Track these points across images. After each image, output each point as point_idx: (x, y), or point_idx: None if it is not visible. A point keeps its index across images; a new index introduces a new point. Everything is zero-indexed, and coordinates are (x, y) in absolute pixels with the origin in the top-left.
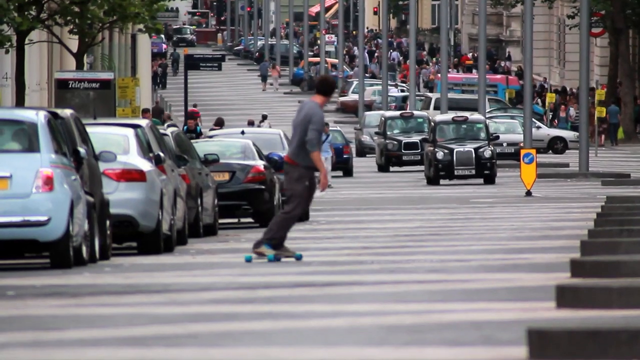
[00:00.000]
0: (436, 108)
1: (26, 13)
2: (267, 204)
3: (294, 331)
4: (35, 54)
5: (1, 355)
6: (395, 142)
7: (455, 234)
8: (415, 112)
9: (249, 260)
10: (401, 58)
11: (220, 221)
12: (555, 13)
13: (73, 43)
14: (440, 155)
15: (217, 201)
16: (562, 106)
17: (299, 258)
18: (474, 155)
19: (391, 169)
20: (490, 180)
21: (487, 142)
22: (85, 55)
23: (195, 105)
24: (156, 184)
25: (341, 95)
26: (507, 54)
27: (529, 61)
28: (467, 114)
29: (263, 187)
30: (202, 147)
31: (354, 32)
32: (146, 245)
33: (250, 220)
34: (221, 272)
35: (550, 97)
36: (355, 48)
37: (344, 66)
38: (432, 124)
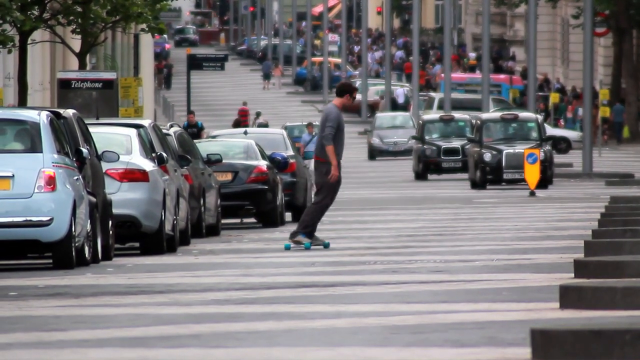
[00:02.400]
0: (439, 108)
1: (29, 13)
2: (269, 204)
3: (297, 331)
4: (38, 53)
5: (4, 355)
6: (434, 148)
7: (459, 234)
8: (456, 115)
9: (287, 248)
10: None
11: (223, 221)
12: (559, 13)
13: (76, 43)
14: (487, 157)
15: (220, 201)
16: (570, 106)
17: (326, 246)
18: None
19: (429, 176)
20: (544, 185)
21: (539, 142)
22: (88, 56)
23: (245, 104)
24: (159, 184)
25: None
26: (510, 54)
27: (532, 61)
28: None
29: (266, 187)
30: (205, 147)
31: (353, 31)
32: (149, 245)
33: (253, 220)
34: (224, 272)
35: (554, 97)
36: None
37: (347, 66)
38: (478, 122)
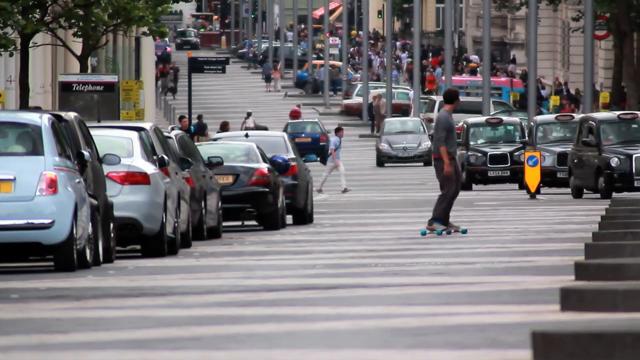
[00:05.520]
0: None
1: (30, 16)
2: (271, 207)
3: (298, 334)
4: (40, 56)
5: (6, 358)
6: (480, 155)
7: (460, 236)
8: (505, 118)
9: (423, 234)
10: (409, 60)
11: (224, 224)
12: (559, 16)
13: (77, 46)
14: (615, 162)
15: (221, 204)
16: (575, 109)
17: (464, 232)
18: None
19: (474, 187)
20: None
21: None
22: (89, 59)
23: (299, 106)
24: (160, 186)
25: (345, 97)
26: (511, 57)
27: (533, 64)
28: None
29: (267, 189)
30: (206, 149)
31: (353, 33)
32: (150, 248)
33: (254, 223)
34: (225, 274)
35: (555, 100)
36: (371, 53)
37: (348, 69)
38: (592, 123)
